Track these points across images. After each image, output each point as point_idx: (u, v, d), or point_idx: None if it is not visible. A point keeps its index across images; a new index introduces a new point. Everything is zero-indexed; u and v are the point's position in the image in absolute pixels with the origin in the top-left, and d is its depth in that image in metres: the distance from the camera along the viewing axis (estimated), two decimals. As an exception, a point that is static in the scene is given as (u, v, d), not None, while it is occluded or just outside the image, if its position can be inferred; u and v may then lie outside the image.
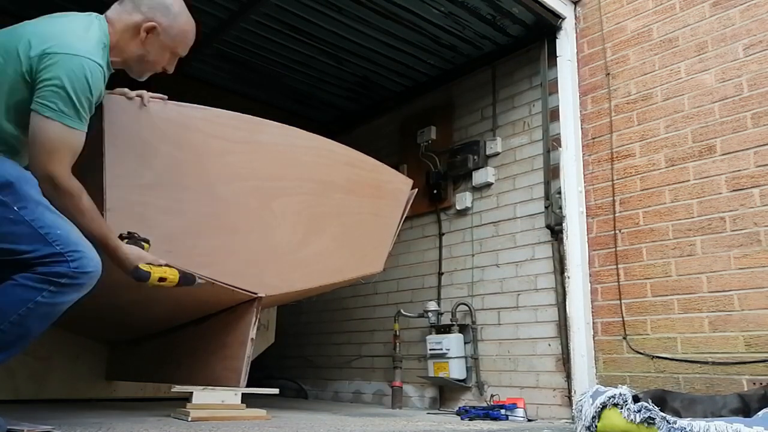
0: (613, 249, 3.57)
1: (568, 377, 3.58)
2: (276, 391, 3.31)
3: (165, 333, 3.25)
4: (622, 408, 2.71)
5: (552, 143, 3.95)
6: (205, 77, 4.95)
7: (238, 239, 2.67)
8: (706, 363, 3.10)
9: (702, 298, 3.18)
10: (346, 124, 5.65)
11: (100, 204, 2.19)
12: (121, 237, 2.07)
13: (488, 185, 4.34)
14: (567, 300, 3.65)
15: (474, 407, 3.68)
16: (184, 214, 2.49)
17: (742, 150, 3.16)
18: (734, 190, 3.16)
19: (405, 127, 5.12)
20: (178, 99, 2.46)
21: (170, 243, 2.37)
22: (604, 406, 2.78)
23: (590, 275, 3.65)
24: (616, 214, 3.60)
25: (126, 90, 2.29)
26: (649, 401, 2.70)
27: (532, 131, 4.16)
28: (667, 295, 3.31)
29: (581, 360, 3.52)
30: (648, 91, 3.59)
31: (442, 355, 4.11)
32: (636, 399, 2.74)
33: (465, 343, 4.15)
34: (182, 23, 2.09)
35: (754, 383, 2.89)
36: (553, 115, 3.99)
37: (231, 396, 2.77)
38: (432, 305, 4.38)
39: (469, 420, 3.47)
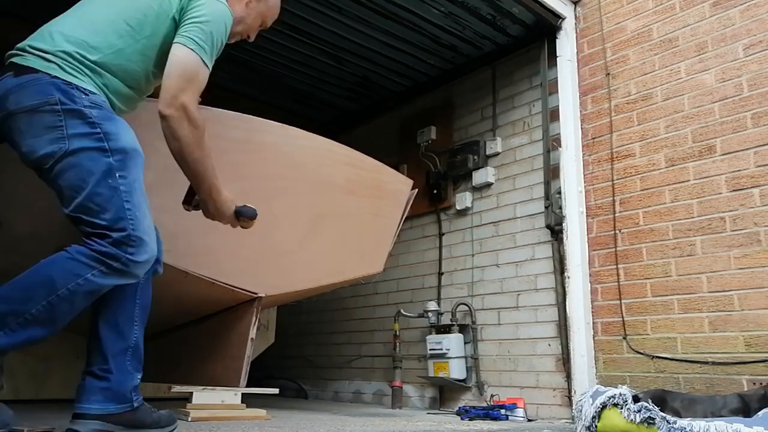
0: (613, 249, 3.57)
1: (568, 377, 3.58)
2: (276, 391, 3.31)
3: (165, 333, 3.25)
4: (622, 408, 2.71)
5: (552, 143, 3.95)
6: (205, 77, 4.95)
7: (238, 239, 2.67)
8: (706, 363, 3.10)
9: (702, 298, 3.18)
10: (346, 124, 5.65)
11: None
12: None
13: (488, 185, 4.34)
14: (567, 300, 3.65)
15: (474, 407, 3.68)
16: (184, 214, 2.48)
17: (742, 150, 3.16)
18: (734, 190, 3.16)
19: (405, 127, 5.12)
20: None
21: (170, 243, 2.37)
22: (604, 406, 2.78)
23: (590, 275, 3.65)
24: (616, 214, 3.60)
25: None
26: (649, 401, 2.70)
27: (532, 131, 4.16)
28: (667, 295, 3.31)
29: (581, 360, 3.52)
30: (648, 91, 3.60)
31: (442, 355, 4.11)
32: (636, 399, 2.74)
33: (465, 343, 4.15)
34: None
35: (754, 383, 2.89)
36: (553, 115, 3.99)
37: (231, 396, 2.77)
38: (432, 305, 4.38)
39: (469, 420, 3.47)
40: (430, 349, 4.19)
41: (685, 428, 2.51)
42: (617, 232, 3.58)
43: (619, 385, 2.91)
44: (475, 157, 4.41)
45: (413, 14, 4.03)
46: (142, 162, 1.89)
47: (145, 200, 1.87)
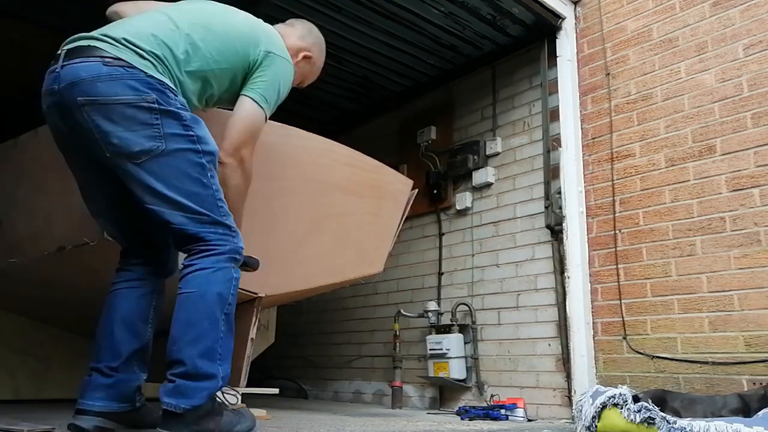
0: (613, 249, 3.57)
1: (568, 377, 3.58)
2: (276, 391, 3.31)
3: (165, 332, 3.24)
4: (622, 408, 2.71)
5: (552, 143, 3.95)
6: (205, 77, 4.96)
7: (238, 239, 2.67)
8: (706, 363, 3.10)
9: (702, 298, 3.18)
10: (346, 124, 5.65)
11: (100, 204, 2.19)
12: None
13: (488, 185, 4.34)
14: (567, 300, 3.65)
15: (474, 407, 3.68)
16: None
17: (742, 150, 3.16)
18: (734, 190, 3.16)
19: (405, 127, 5.12)
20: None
21: (170, 243, 2.37)
22: (604, 406, 2.78)
23: (590, 275, 3.65)
24: (616, 214, 3.60)
25: None
26: (649, 401, 2.70)
27: (532, 131, 4.16)
28: (667, 295, 3.31)
29: (581, 360, 3.52)
30: (648, 91, 3.59)
31: (442, 355, 4.11)
32: (636, 399, 2.74)
33: (465, 343, 4.15)
34: (321, 63, 2.49)
35: (754, 383, 2.89)
36: (553, 115, 3.99)
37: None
38: (432, 305, 4.38)
39: (469, 420, 3.47)
40: (430, 349, 4.19)
41: (685, 428, 2.51)
42: (617, 232, 3.58)
43: (619, 385, 2.91)
44: (475, 157, 4.40)
45: (413, 14, 4.03)
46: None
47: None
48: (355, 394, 5.02)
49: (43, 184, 2.55)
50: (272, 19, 4.14)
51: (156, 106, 1.82)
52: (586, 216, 3.74)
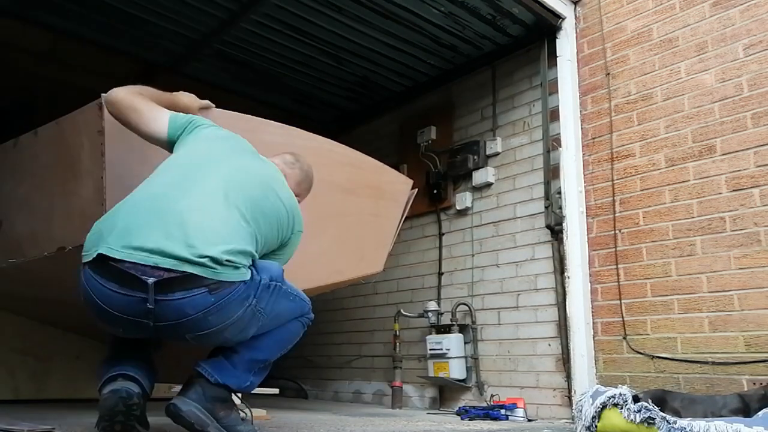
0: (613, 249, 3.57)
1: (568, 377, 3.58)
2: (276, 391, 3.32)
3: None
4: (622, 408, 2.71)
5: (552, 143, 3.95)
6: (205, 77, 4.96)
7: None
8: (706, 363, 3.10)
9: (702, 298, 3.18)
10: (346, 124, 5.64)
11: (100, 203, 2.19)
12: None
13: (488, 185, 4.34)
14: (567, 300, 3.65)
15: (474, 407, 3.68)
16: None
17: (742, 150, 3.16)
18: (734, 190, 3.16)
19: (405, 127, 5.12)
20: (178, 99, 2.46)
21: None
22: (604, 406, 2.78)
23: (590, 275, 3.65)
24: (616, 214, 3.59)
25: (208, 102, 2.44)
26: (649, 401, 2.70)
27: (532, 131, 4.15)
28: (667, 295, 3.31)
29: (581, 360, 3.52)
30: (648, 91, 3.59)
31: (442, 355, 4.10)
32: (636, 399, 2.74)
33: (465, 343, 4.15)
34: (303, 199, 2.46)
35: (754, 383, 2.89)
36: (553, 115, 3.99)
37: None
38: (432, 305, 4.38)
39: (469, 420, 3.47)
40: (430, 349, 4.19)
41: (685, 428, 2.51)
42: (617, 232, 3.58)
43: (619, 385, 2.91)
44: (475, 157, 4.40)
45: (413, 14, 4.02)
46: None
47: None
48: (355, 394, 5.02)
49: (43, 184, 2.55)
50: (272, 19, 4.19)
51: (255, 301, 1.90)
52: (586, 216, 3.74)
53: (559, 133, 3.90)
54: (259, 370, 2.04)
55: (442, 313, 4.39)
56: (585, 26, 4.00)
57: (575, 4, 4.07)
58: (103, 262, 1.77)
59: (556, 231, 3.82)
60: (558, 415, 3.61)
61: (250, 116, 2.67)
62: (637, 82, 3.65)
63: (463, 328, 4.18)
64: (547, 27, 4.04)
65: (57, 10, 4.15)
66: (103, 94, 2.14)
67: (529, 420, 3.59)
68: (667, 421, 2.57)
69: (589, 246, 3.70)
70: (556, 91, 3.98)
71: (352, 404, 4.83)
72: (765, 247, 3.02)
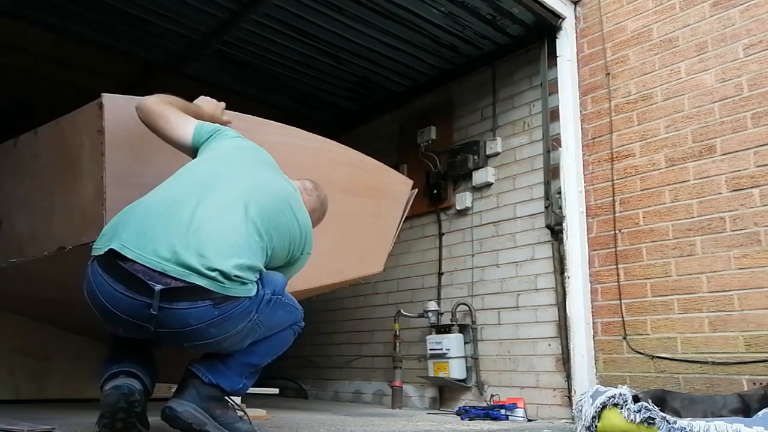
0: (613, 249, 3.57)
1: (568, 377, 3.58)
2: (276, 391, 3.32)
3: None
4: (622, 408, 2.71)
5: (552, 143, 3.95)
6: (205, 77, 4.96)
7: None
8: (706, 363, 3.10)
9: (702, 298, 3.18)
10: (346, 124, 5.64)
11: (100, 203, 2.19)
12: None
13: (488, 185, 4.34)
14: (567, 300, 3.65)
15: (474, 407, 3.68)
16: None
17: (742, 150, 3.16)
18: (734, 190, 3.16)
19: (405, 127, 5.12)
20: (179, 99, 2.46)
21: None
22: (604, 406, 2.78)
23: (590, 275, 3.65)
24: (616, 214, 3.59)
25: (229, 116, 2.47)
26: (649, 401, 2.70)
27: (532, 131, 4.15)
28: (667, 295, 3.31)
29: (581, 360, 3.52)
30: (648, 91, 3.59)
31: (442, 355, 4.10)
32: (636, 399, 2.74)
33: (465, 343, 4.15)
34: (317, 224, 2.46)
35: (754, 383, 2.89)
36: (553, 115, 3.99)
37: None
38: (432, 305, 4.38)
39: (469, 420, 3.47)
40: (430, 349, 4.19)
41: (685, 428, 2.51)
42: (617, 232, 3.58)
43: (619, 385, 2.91)
44: (475, 157, 4.40)
45: (413, 14, 4.02)
46: None
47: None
48: (355, 394, 5.02)
49: (43, 184, 2.55)
50: (272, 19, 4.19)
51: (256, 316, 1.91)
52: (586, 216, 3.74)
53: (559, 133, 3.90)
54: (250, 374, 2.07)
55: (442, 313, 4.39)
56: (585, 26, 4.00)
57: (575, 4, 4.07)
58: (112, 260, 1.77)
59: (556, 231, 3.82)
60: (558, 415, 3.61)
61: (250, 116, 2.67)
62: (637, 82, 3.65)
63: (463, 328, 4.18)
64: (547, 27, 4.04)
65: (57, 10, 4.15)
66: (136, 103, 2.17)
67: (529, 420, 3.59)
68: (667, 421, 2.57)
69: (589, 246, 3.70)
70: (556, 91, 3.98)
71: (352, 404, 4.83)
72: (765, 247, 3.02)
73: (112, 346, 2.00)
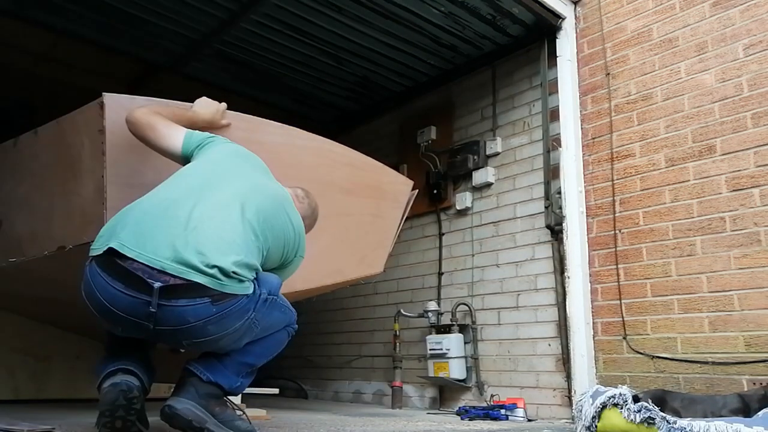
0: (613, 249, 3.57)
1: (568, 377, 3.58)
2: (276, 391, 3.32)
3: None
4: (622, 408, 2.71)
5: (552, 143, 3.95)
6: (205, 77, 4.96)
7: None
8: (706, 363, 3.10)
9: (702, 298, 3.18)
10: (346, 124, 5.64)
11: (100, 203, 2.19)
12: None
13: (488, 185, 4.34)
14: (567, 300, 3.65)
15: (474, 407, 3.68)
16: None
17: (742, 150, 3.16)
18: (734, 190, 3.16)
19: (405, 127, 5.12)
20: (179, 99, 2.46)
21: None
22: (604, 406, 2.78)
23: (590, 275, 3.65)
24: (616, 214, 3.59)
25: (228, 118, 2.50)
26: (649, 401, 2.70)
27: (532, 131, 4.15)
28: (667, 295, 3.31)
29: (581, 360, 3.52)
30: (648, 91, 3.59)
31: (442, 355, 4.10)
32: (636, 399, 2.74)
33: (465, 343, 4.15)
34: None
35: (754, 383, 2.89)
36: (553, 115, 3.99)
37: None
38: (432, 305, 4.38)
39: (469, 420, 3.47)
40: (430, 349, 4.19)
41: (685, 428, 2.51)
42: (617, 232, 3.58)
43: (619, 385, 2.91)
44: (475, 157, 4.40)
45: (413, 14, 4.02)
46: None
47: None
48: (355, 394, 5.02)
49: (43, 183, 2.55)
50: (272, 19, 4.19)
51: (253, 315, 1.93)
52: (586, 216, 3.74)
53: (559, 133, 3.90)
54: (247, 374, 2.08)
55: (442, 313, 4.39)
56: (585, 26, 4.00)
57: (575, 4, 4.07)
58: (111, 259, 1.78)
59: (556, 231, 3.82)
60: (558, 415, 3.61)
61: (250, 116, 2.67)
62: (637, 82, 3.65)
63: (463, 328, 4.18)
64: (547, 27, 4.04)
65: (57, 10, 4.15)
66: (125, 115, 2.17)
67: (529, 420, 3.59)
68: (667, 421, 2.57)
69: (589, 246, 3.70)
70: (556, 91, 3.98)
71: (352, 404, 4.83)
72: (765, 247, 3.02)
73: (109, 345, 2.01)
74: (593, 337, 3.57)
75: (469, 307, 4.23)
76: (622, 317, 3.46)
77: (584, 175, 3.80)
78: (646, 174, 3.52)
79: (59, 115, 2.44)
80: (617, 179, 3.63)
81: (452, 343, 4.09)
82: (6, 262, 2.60)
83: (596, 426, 2.78)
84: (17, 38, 4.47)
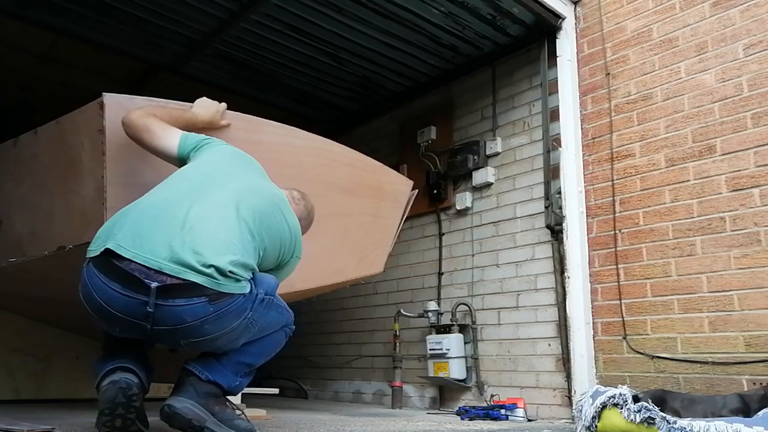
0: (613, 249, 3.57)
1: (568, 377, 3.58)
2: (276, 391, 3.32)
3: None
4: (622, 408, 2.71)
5: (552, 143, 3.95)
6: (205, 77, 4.96)
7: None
8: (706, 363, 3.10)
9: (702, 298, 3.18)
10: (346, 124, 5.64)
11: (101, 203, 2.19)
12: None
13: (488, 185, 4.34)
14: (567, 300, 3.65)
15: (474, 407, 3.68)
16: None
17: (742, 150, 3.16)
18: (734, 190, 3.16)
19: (405, 127, 5.12)
20: (179, 99, 2.46)
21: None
22: (604, 406, 2.77)
23: (590, 275, 3.65)
24: (616, 214, 3.59)
25: (228, 118, 2.50)
26: (649, 401, 2.70)
27: (532, 131, 4.15)
28: (667, 295, 3.31)
29: (581, 360, 3.52)
30: (648, 91, 3.59)
31: (442, 355, 4.10)
32: (636, 399, 2.74)
33: (465, 343, 4.15)
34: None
35: (754, 383, 2.89)
36: (553, 115, 3.99)
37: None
38: (432, 305, 4.38)
39: (469, 420, 3.47)
40: (430, 349, 4.19)
41: (685, 428, 2.51)
42: (617, 232, 3.58)
43: (619, 385, 2.91)
44: (475, 157, 4.40)
45: (413, 14, 4.02)
46: None
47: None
48: (355, 394, 5.02)
49: (43, 183, 2.55)
50: (272, 19, 4.19)
51: (250, 314, 1.93)
52: (586, 216, 3.74)
53: (559, 133, 3.90)
54: (245, 373, 2.09)
55: (442, 313, 4.39)
56: (585, 26, 4.00)
57: (575, 4, 4.07)
58: (108, 260, 1.79)
59: (556, 231, 3.82)
60: (558, 415, 3.61)
61: (250, 116, 2.67)
62: (637, 82, 3.65)
63: (463, 328, 4.18)
64: (547, 27, 4.04)
65: (57, 10, 4.15)
66: (121, 118, 2.17)
67: (529, 420, 3.59)
68: (667, 421, 2.57)
69: (589, 246, 3.70)
70: (556, 91, 3.98)
71: (352, 404, 4.83)
72: (765, 247, 3.02)
73: (107, 345, 2.01)
74: (593, 337, 3.57)
75: (469, 307, 4.23)
76: (622, 317, 3.46)
77: (584, 175, 3.80)
78: (646, 174, 3.52)
79: (59, 115, 2.44)
80: (617, 179, 3.63)
81: (452, 343, 4.09)
82: (6, 262, 2.60)
83: (596, 426, 2.78)
84: (17, 38, 4.47)
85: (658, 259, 3.37)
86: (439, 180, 4.62)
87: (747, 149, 3.15)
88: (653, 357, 3.29)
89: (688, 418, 2.59)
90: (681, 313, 3.24)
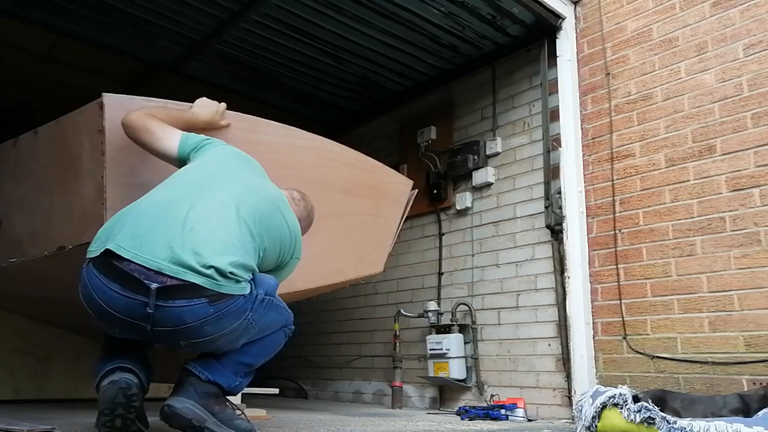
0: (613, 249, 3.57)
1: (568, 377, 3.58)
2: (276, 391, 3.32)
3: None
4: (622, 408, 2.71)
5: (552, 143, 3.95)
6: (205, 77, 4.96)
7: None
8: (706, 363, 3.10)
9: (702, 298, 3.18)
10: (346, 124, 5.64)
11: (100, 203, 2.19)
12: None
13: (488, 185, 4.34)
14: (567, 300, 3.65)
15: (474, 407, 3.68)
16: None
17: (742, 150, 3.16)
18: (734, 190, 3.16)
19: (405, 127, 5.12)
20: (179, 99, 2.46)
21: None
22: (604, 406, 2.78)
23: (590, 275, 3.65)
24: (616, 214, 3.59)
25: (228, 118, 2.50)
26: (649, 401, 2.70)
27: (532, 131, 4.15)
28: (667, 295, 3.31)
29: (581, 360, 3.52)
30: (648, 91, 3.59)
31: (442, 355, 4.10)
32: (636, 399, 2.74)
33: (465, 343, 4.15)
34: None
35: (754, 383, 2.89)
36: (553, 115, 3.99)
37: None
38: (432, 305, 4.38)
39: (469, 420, 3.47)
40: (430, 349, 4.19)
41: (685, 428, 2.51)
42: (617, 232, 3.58)
43: (619, 385, 2.91)
44: (475, 157, 4.40)
45: (413, 14, 4.02)
46: None
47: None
48: (355, 394, 5.02)
49: (43, 183, 2.55)
50: (272, 19, 4.19)
51: (250, 315, 1.93)
52: (586, 216, 3.74)
53: (559, 133, 3.90)
54: (245, 374, 2.09)
55: (442, 313, 4.39)
56: (585, 26, 4.00)
57: (575, 4, 4.07)
58: (108, 261, 1.79)
59: (556, 231, 3.82)
60: (558, 415, 3.61)
61: (250, 116, 2.67)
62: (637, 82, 3.65)
63: (463, 328, 4.18)
64: (547, 27, 4.04)
65: (57, 10, 4.15)
66: (121, 119, 2.17)
67: (529, 420, 3.59)
68: (667, 421, 2.57)
69: (589, 246, 3.70)
70: (556, 91, 3.98)
71: (352, 404, 4.83)
72: (765, 247, 3.02)
73: (106, 345, 2.01)
74: (593, 337, 3.57)
75: (469, 307, 4.23)
76: (622, 317, 3.46)
77: (584, 175, 3.80)
78: (646, 174, 3.52)
79: (59, 115, 2.44)
80: (617, 179, 3.63)
81: (452, 343, 4.09)
82: (6, 262, 2.60)
83: (596, 426, 2.78)
84: (17, 38, 4.47)
85: (658, 259, 3.37)
86: (439, 180, 4.62)
87: (747, 149, 3.15)
88: (653, 357, 3.29)
89: (688, 418, 2.59)
90: (681, 313, 3.24)
